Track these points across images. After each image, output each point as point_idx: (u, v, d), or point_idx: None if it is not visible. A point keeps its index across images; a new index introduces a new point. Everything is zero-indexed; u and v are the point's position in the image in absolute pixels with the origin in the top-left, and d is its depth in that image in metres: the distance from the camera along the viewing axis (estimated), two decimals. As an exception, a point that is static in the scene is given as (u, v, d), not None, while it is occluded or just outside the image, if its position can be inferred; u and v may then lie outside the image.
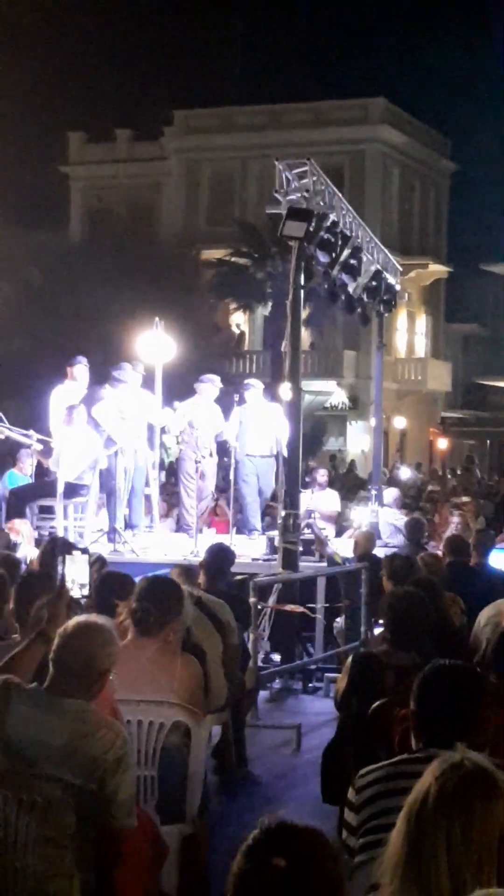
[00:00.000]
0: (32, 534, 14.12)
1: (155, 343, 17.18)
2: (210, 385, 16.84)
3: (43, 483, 15.80)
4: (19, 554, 12.05)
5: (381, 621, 8.23)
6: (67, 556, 6.13)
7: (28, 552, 12.82)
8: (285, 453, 14.60)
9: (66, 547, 7.83)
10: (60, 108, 57.63)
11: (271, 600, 12.94)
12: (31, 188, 51.06)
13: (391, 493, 19.45)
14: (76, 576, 6.14)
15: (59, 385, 16.21)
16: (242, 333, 48.86)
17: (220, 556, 10.49)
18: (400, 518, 17.73)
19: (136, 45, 69.68)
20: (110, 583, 8.03)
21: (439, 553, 12.64)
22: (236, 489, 16.63)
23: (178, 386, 17.69)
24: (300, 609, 13.07)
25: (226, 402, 16.98)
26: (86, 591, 6.17)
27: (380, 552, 14.02)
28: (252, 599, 11.50)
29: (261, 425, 16.47)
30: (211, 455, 16.75)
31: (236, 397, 16.89)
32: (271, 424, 16.15)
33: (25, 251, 41.74)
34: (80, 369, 16.23)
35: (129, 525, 15.97)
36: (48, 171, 51.15)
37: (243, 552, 14.71)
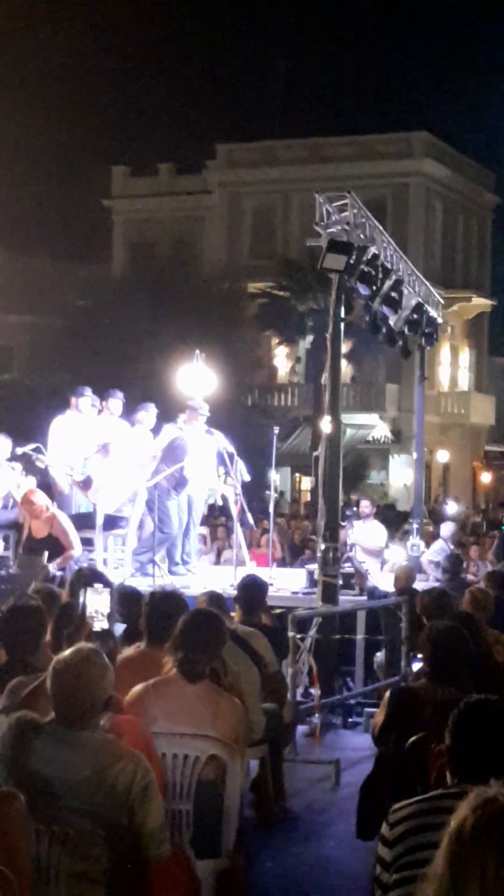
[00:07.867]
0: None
1: (196, 376, 17.20)
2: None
3: (82, 515, 15.79)
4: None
5: (420, 656, 8.15)
6: (89, 588, 6.16)
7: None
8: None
9: (90, 578, 7.78)
10: (103, 143, 58.27)
11: (311, 633, 12.85)
12: (75, 222, 51.50)
13: (448, 528, 19.10)
14: (98, 607, 6.15)
15: (59, 416, 16.03)
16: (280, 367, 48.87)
17: (252, 589, 10.28)
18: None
19: (179, 80, 70.30)
20: (163, 606, 7.78)
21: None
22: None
23: (221, 418, 17.69)
24: None
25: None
26: (105, 624, 6.17)
27: (423, 586, 13.87)
28: (291, 633, 11.44)
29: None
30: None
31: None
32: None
33: (68, 284, 42.02)
34: (85, 401, 16.05)
35: (183, 561, 15.85)
36: (91, 205, 51.57)
37: (283, 585, 14.66)
